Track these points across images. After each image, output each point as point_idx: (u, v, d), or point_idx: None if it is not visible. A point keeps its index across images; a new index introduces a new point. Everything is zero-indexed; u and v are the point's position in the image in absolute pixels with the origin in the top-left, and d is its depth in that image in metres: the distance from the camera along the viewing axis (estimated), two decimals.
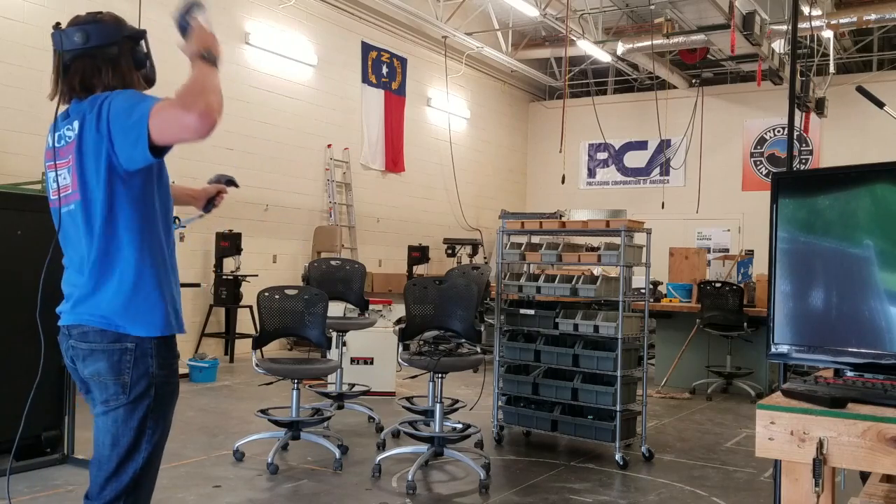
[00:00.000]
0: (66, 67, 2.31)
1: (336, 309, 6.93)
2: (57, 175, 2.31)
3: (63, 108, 2.34)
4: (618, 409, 5.33)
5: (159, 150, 2.14)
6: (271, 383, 6.17)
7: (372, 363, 7.44)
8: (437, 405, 5.01)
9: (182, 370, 8.26)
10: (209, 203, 2.89)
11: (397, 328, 5.86)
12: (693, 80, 15.95)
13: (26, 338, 3.49)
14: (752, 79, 13.52)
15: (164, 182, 2.35)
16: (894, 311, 1.95)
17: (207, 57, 2.20)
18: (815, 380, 2.00)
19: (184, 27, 2.29)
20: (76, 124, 2.25)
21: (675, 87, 15.56)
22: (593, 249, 5.89)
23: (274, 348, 10.13)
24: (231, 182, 2.96)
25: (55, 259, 2.33)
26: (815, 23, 11.21)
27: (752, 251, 9.80)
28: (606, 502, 4.54)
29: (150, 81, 2.42)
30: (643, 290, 6.62)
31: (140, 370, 2.25)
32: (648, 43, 12.69)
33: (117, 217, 2.23)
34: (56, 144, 2.31)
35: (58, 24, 2.35)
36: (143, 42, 2.40)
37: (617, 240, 5.48)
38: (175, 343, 2.35)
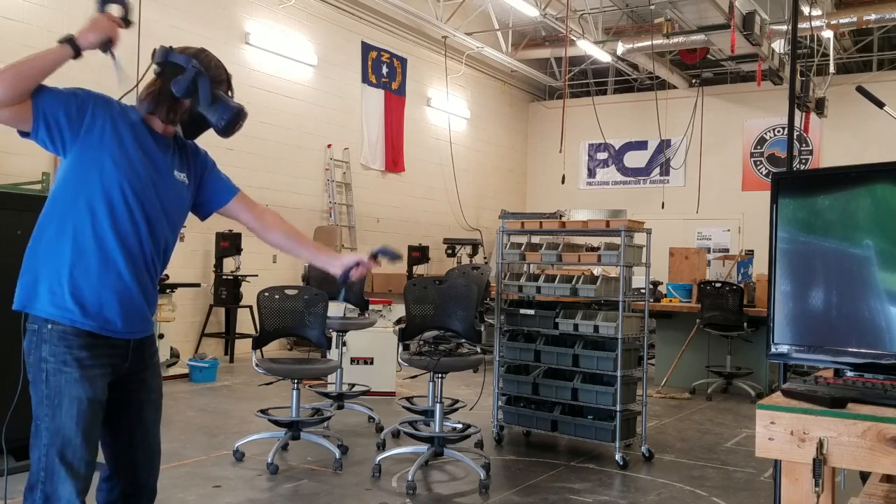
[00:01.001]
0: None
1: (336, 309, 6.93)
2: None
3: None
4: (618, 409, 5.32)
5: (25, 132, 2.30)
6: (271, 383, 6.18)
7: (372, 363, 7.44)
8: (437, 405, 5.01)
9: (182, 370, 8.27)
10: (345, 275, 2.70)
11: (397, 328, 5.86)
12: (693, 80, 15.95)
13: None
14: (752, 79, 13.52)
15: (114, 169, 2.36)
16: (894, 311, 1.95)
17: (70, 41, 2.29)
18: (815, 380, 2.00)
19: (100, 7, 2.39)
20: None
21: (675, 87, 15.56)
22: (593, 249, 5.90)
23: (274, 348, 10.13)
24: (386, 254, 2.75)
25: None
26: (815, 23, 11.21)
27: (752, 251, 9.80)
28: (606, 502, 4.54)
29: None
30: (643, 290, 6.62)
31: (37, 353, 2.32)
32: (648, 43, 12.69)
33: (53, 198, 2.38)
34: None
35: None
36: (194, 74, 2.44)
37: (617, 240, 5.48)
38: (85, 335, 2.34)
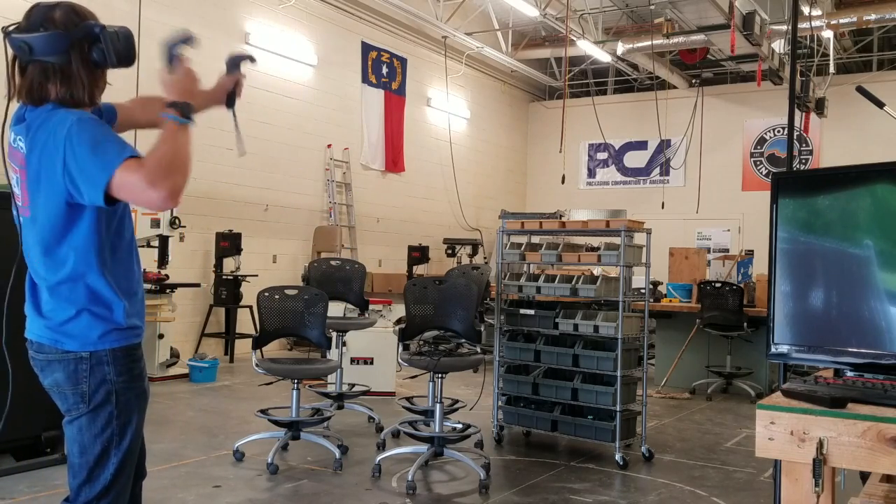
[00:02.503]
0: (21, 69, 2.20)
1: (336, 309, 6.93)
2: (11, 179, 2.27)
3: (15, 106, 2.24)
4: (618, 409, 5.32)
5: (112, 200, 2.10)
6: (271, 383, 6.17)
7: (372, 363, 7.44)
8: (437, 405, 5.01)
9: (182, 370, 8.27)
10: (230, 98, 2.54)
11: (397, 328, 5.86)
12: (693, 80, 15.95)
13: None
14: (752, 79, 13.52)
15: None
16: (894, 311, 1.95)
17: (183, 111, 2.13)
18: (815, 380, 2.00)
19: (171, 59, 2.22)
20: (24, 142, 2.19)
21: (675, 87, 15.56)
22: (593, 249, 5.89)
23: (274, 348, 10.13)
24: (242, 59, 2.57)
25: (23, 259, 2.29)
26: (815, 23, 11.21)
27: (752, 251, 9.80)
28: (606, 502, 4.54)
29: (126, 60, 2.24)
30: (643, 290, 6.62)
31: (97, 378, 2.22)
32: (648, 43, 12.69)
33: (68, 239, 2.19)
34: (11, 144, 2.25)
35: (6, 27, 2.20)
36: (102, 37, 2.21)
37: (617, 240, 5.48)
38: (138, 346, 2.32)
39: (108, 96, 2.40)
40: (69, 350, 2.21)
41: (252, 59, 2.62)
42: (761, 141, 15.47)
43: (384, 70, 13.30)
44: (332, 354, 6.21)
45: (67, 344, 2.21)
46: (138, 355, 2.33)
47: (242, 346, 9.67)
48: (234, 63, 2.55)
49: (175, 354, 8.33)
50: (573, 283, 5.64)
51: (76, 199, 2.11)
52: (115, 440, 2.25)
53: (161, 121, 2.15)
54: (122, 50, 2.23)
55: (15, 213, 2.27)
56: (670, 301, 8.75)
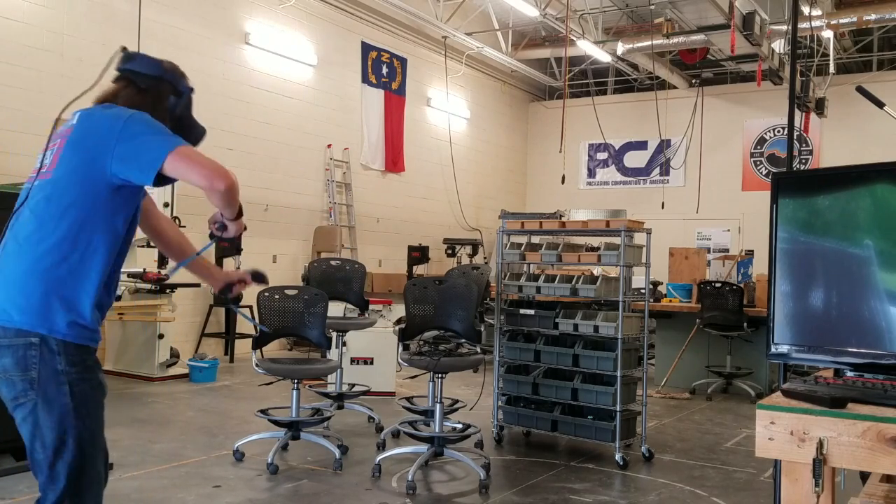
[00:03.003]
0: (114, 80, 2.48)
1: (336, 309, 6.93)
2: (44, 156, 2.34)
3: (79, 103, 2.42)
4: (618, 409, 5.33)
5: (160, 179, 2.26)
6: (271, 383, 6.17)
7: (372, 363, 7.44)
8: (437, 405, 5.01)
9: (182, 370, 8.26)
10: (226, 289, 2.85)
11: (397, 328, 5.86)
12: (693, 80, 15.95)
13: None
14: (752, 79, 13.52)
15: (128, 197, 2.36)
16: (894, 311, 1.95)
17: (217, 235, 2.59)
18: (815, 380, 2.00)
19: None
20: (78, 118, 2.32)
21: (675, 87, 15.56)
22: (593, 249, 5.89)
23: (274, 348, 10.13)
24: (260, 278, 2.88)
25: None
26: (815, 23, 11.21)
27: (752, 251, 9.80)
28: (606, 502, 4.54)
29: (181, 126, 2.52)
30: (643, 290, 6.62)
31: (49, 367, 2.19)
32: (648, 43, 12.69)
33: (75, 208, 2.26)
34: (66, 123, 2.38)
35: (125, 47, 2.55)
36: (185, 95, 2.54)
37: (617, 240, 5.48)
38: (93, 350, 2.32)
39: None
40: (21, 329, 2.18)
41: (265, 281, 2.98)
42: (761, 141, 15.47)
43: (384, 70, 13.30)
44: (332, 354, 6.21)
45: (18, 320, 2.19)
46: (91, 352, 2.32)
47: (242, 346, 9.67)
48: (258, 277, 2.89)
49: (175, 354, 8.33)
50: (573, 283, 5.64)
51: (119, 174, 2.23)
52: (72, 432, 2.21)
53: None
54: (185, 118, 2.57)
55: (27, 185, 2.33)
56: (670, 301, 8.75)
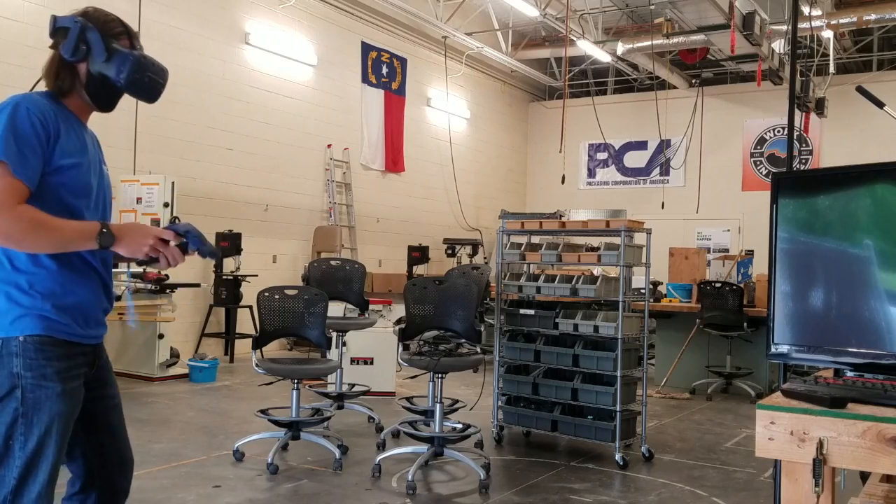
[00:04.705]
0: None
1: (336, 309, 6.92)
2: None
3: None
4: (618, 409, 5.32)
5: None
6: (271, 383, 6.17)
7: (372, 363, 7.44)
8: (437, 405, 5.01)
9: (182, 370, 8.26)
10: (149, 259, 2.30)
11: (397, 328, 5.86)
12: (693, 80, 15.95)
13: None
14: (752, 79, 13.52)
15: (65, 184, 2.19)
16: (894, 311, 1.95)
17: (103, 243, 2.13)
18: (815, 380, 2.00)
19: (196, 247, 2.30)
20: None
21: (675, 87, 15.56)
22: (593, 249, 5.89)
23: (274, 348, 10.13)
24: (203, 251, 2.38)
25: None
26: (815, 23, 11.21)
27: (752, 251, 9.80)
28: (606, 502, 4.54)
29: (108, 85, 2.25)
30: (643, 290, 6.62)
31: (6, 369, 2.12)
32: (648, 43, 12.69)
33: None
34: None
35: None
36: (80, 31, 2.20)
37: (617, 240, 5.48)
38: (62, 345, 2.18)
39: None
40: None
41: (208, 255, 2.45)
42: (761, 141, 15.47)
43: (384, 70, 13.30)
44: (332, 354, 6.21)
45: None
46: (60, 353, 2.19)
47: (242, 346, 9.67)
48: (200, 247, 2.36)
49: (175, 354, 8.33)
50: (573, 283, 5.64)
51: None
52: (19, 439, 2.11)
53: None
54: (97, 52, 2.23)
55: None
56: (670, 301, 8.75)
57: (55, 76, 2.24)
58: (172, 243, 2.26)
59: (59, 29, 2.22)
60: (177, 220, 2.36)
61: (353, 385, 6.72)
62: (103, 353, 2.40)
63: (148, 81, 2.27)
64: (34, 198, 2.10)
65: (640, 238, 5.67)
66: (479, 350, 5.29)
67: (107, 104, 2.31)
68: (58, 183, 2.16)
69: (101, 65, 2.21)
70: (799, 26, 4.09)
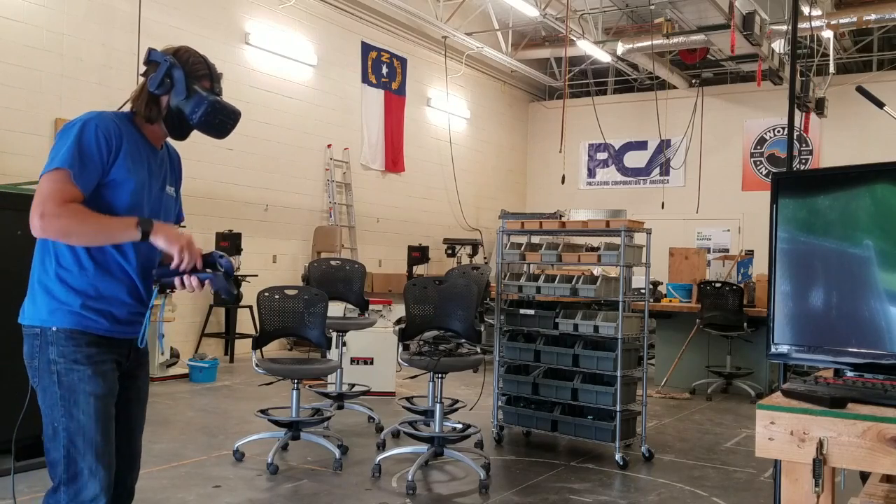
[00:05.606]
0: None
1: (336, 309, 6.92)
2: None
3: None
4: (618, 409, 5.32)
5: None
6: (271, 383, 6.17)
7: (372, 363, 7.44)
8: (437, 405, 5.01)
9: (182, 370, 8.26)
10: (168, 274, 2.47)
11: (397, 328, 5.86)
12: (693, 80, 15.95)
13: None
14: (752, 79, 13.52)
15: (114, 196, 2.40)
16: (894, 311, 1.95)
17: (144, 230, 2.33)
18: (815, 380, 2.00)
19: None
20: None
21: (675, 87, 15.56)
22: (593, 249, 5.89)
23: (274, 348, 10.13)
24: (218, 285, 2.48)
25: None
26: (815, 23, 11.21)
27: (752, 251, 9.80)
28: (606, 502, 4.54)
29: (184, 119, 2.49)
30: (643, 290, 6.62)
31: (44, 356, 2.37)
32: (648, 43, 12.69)
33: None
34: None
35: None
36: (161, 67, 2.44)
37: (617, 240, 5.48)
38: (92, 335, 2.40)
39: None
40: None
41: (226, 293, 2.61)
42: (761, 141, 15.47)
43: (384, 70, 13.30)
44: (332, 354, 6.21)
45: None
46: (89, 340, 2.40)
47: (242, 346, 9.67)
48: (217, 261, 2.49)
49: (175, 354, 8.33)
50: (573, 283, 5.64)
51: None
52: (62, 421, 2.34)
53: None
54: (177, 90, 2.47)
55: None
56: (670, 301, 8.75)
57: (145, 106, 2.47)
58: (196, 264, 2.45)
59: (151, 62, 2.48)
60: (222, 256, 2.46)
61: (353, 385, 6.72)
62: (139, 350, 2.59)
63: (218, 123, 2.53)
64: (86, 202, 2.33)
65: (640, 238, 5.67)
66: (479, 350, 5.29)
67: (180, 134, 2.55)
68: (109, 194, 2.39)
69: (181, 101, 2.46)
70: (799, 26, 4.09)
